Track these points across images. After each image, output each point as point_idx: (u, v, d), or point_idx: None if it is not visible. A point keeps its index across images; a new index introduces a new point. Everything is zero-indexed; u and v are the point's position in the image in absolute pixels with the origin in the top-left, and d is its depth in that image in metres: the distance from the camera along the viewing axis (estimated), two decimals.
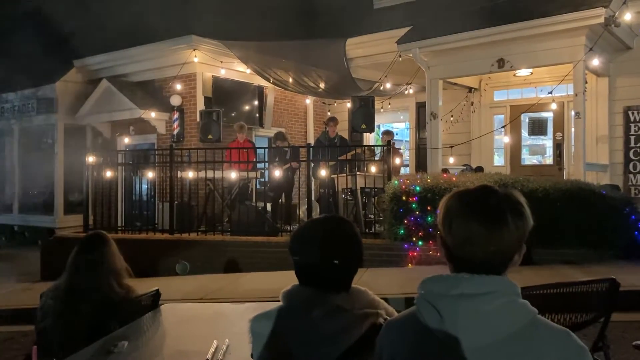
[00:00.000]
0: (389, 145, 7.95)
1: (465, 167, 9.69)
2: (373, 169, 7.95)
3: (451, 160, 9.06)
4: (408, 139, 12.27)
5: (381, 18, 10.64)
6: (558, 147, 10.11)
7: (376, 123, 9.55)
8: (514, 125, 9.96)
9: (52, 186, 11.36)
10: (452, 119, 10.22)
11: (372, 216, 8.10)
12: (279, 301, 1.66)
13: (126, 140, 10.47)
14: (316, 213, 8.67)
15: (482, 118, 10.68)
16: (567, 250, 6.36)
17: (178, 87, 9.97)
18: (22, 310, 6.03)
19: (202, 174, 8.46)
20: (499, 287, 1.25)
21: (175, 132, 10.09)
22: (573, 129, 8.47)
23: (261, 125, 11.29)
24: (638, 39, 8.80)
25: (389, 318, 1.56)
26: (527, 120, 10.01)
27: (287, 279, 1.71)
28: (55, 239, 8.80)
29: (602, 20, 7.40)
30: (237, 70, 10.24)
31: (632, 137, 8.93)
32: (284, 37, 10.07)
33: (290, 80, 9.85)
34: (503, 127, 9.81)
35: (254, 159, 8.77)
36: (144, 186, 9.30)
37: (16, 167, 12.16)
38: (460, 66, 8.99)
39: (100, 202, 8.98)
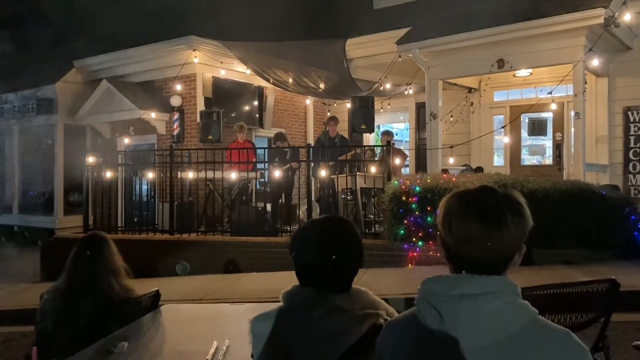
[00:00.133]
0: (388, 145, 7.95)
1: (465, 168, 9.69)
2: (373, 169, 7.96)
3: (451, 160, 9.06)
4: (408, 140, 12.27)
5: (381, 18, 10.64)
6: (558, 147, 10.11)
7: (376, 123, 9.55)
8: (513, 125, 9.96)
9: (52, 187, 11.35)
10: (451, 119, 10.22)
11: (372, 216, 8.10)
12: (279, 302, 1.66)
13: (126, 140, 10.46)
14: (316, 213, 8.67)
15: (481, 118, 10.68)
16: (567, 251, 6.36)
17: (178, 87, 9.96)
18: (22, 311, 6.03)
19: (202, 175, 8.46)
20: (499, 287, 1.25)
21: (175, 133, 10.08)
22: (573, 129, 8.47)
23: (261, 125, 11.29)
24: (638, 39, 8.80)
25: (389, 319, 1.56)
26: (527, 120, 10.02)
27: (287, 280, 1.71)
28: (55, 240, 8.80)
29: (601, 20, 7.40)
30: (237, 70, 10.24)
31: (632, 138, 8.93)
32: (283, 37, 10.07)
33: (290, 80, 9.85)
34: (503, 127, 9.82)
35: (254, 160, 8.77)
36: (144, 187, 9.30)
37: (16, 168, 12.15)
38: (460, 66, 8.99)
39: (100, 203, 8.98)
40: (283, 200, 8.74)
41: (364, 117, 8.76)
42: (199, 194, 9.27)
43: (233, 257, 7.50)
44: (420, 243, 6.67)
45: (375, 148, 9.02)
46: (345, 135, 10.54)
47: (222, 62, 9.89)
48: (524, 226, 1.29)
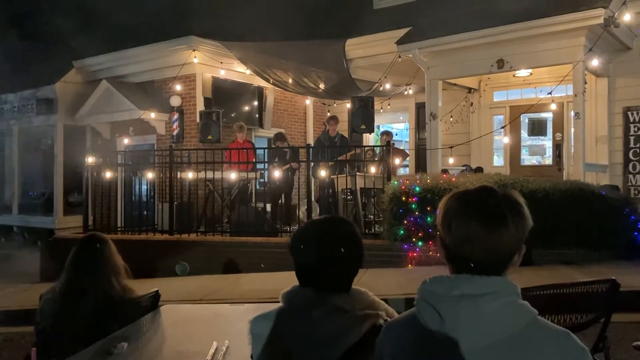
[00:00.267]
0: (388, 145, 7.95)
1: (464, 168, 9.69)
2: (373, 169, 7.96)
3: (451, 160, 9.06)
4: (408, 140, 12.27)
5: (381, 18, 10.64)
6: (557, 147, 10.11)
7: (376, 123, 9.54)
8: (513, 125, 9.95)
9: (52, 187, 11.35)
10: (451, 119, 10.22)
11: (371, 217, 8.10)
12: (278, 302, 1.66)
13: (126, 141, 10.46)
14: (316, 214, 8.66)
15: (481, 118, 10.68)
16: (567, 251, 6.36)
17: (178, 87, 9.96)
18: (21, 311, 6.04)
19: (201, 175, 8.45)
20: (499, 287, 1.25)
21: (174, 133, 10.08)
22: (572, 130, 8.47)
23: (261, 125, 11.29)
24: (637, 39, 8.80)
25: (389, 319, 1.56)
26: (527, 120, 10.02)
27: (287, 280, 1.71)
28: (54, 240, 8.79)
29: (601, 20, 7.40)
30: (236, 71, 10.24)
31: (632, 138, 8.93)
32: (283, 37, 10.07)
33: (290, 80, 9.85)
34: (502, 127, 9.81)
35: (254, 160, 8.77)
36: (144, 187, 9.30)
37: (16, 168, 12.16)
38: (459, 67, 8.99)
39: (99, 203, 8.98)
40: (283, 201, 8.74)
41: (363, 117, 8.76)
42: (199, 194, 9.26)
43: (233, 257, 7.49)
44: (420, 243, 6.66)
45: (375, 148, 9.02)
46: (346, 135, 10.55)
47: (221, 62, 9.89)
48: (524, 226, 1.29)
